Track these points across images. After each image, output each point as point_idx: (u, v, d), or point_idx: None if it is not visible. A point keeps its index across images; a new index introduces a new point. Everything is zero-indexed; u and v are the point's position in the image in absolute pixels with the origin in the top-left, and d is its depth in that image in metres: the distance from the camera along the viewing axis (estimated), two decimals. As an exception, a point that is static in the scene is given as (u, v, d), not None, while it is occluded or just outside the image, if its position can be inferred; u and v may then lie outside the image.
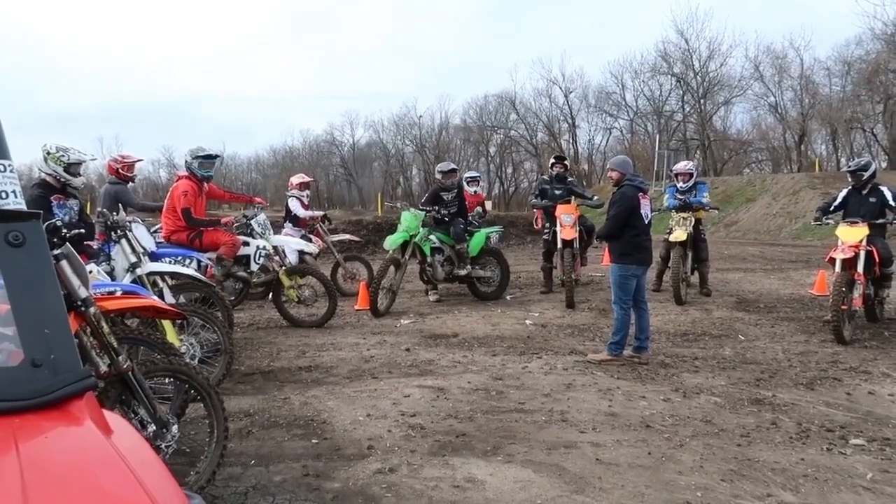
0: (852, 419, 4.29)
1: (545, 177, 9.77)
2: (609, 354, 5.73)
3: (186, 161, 6.90)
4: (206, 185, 6.96)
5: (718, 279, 10.41)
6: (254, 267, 7.00)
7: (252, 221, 7.09)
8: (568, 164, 10.00)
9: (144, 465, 0.95)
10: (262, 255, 7.03)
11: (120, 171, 7.96)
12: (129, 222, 5.36)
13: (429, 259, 8.50)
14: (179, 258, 6.27)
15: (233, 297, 6.99)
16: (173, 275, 5.64)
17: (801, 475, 3.43)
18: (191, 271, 5.84)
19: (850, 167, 7.24)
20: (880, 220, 6.71)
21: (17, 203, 1.18)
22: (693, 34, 43.60)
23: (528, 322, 7.45)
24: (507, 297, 9.13)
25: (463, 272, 8.67)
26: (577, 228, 8.64)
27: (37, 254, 1.05)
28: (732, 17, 75.88)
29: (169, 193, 6.92)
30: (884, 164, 36.30)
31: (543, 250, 9.77)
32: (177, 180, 7.01)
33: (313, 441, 3.95)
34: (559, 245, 8.59)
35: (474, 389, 4.93)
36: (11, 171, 1.20)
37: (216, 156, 6.99)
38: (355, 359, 5.93)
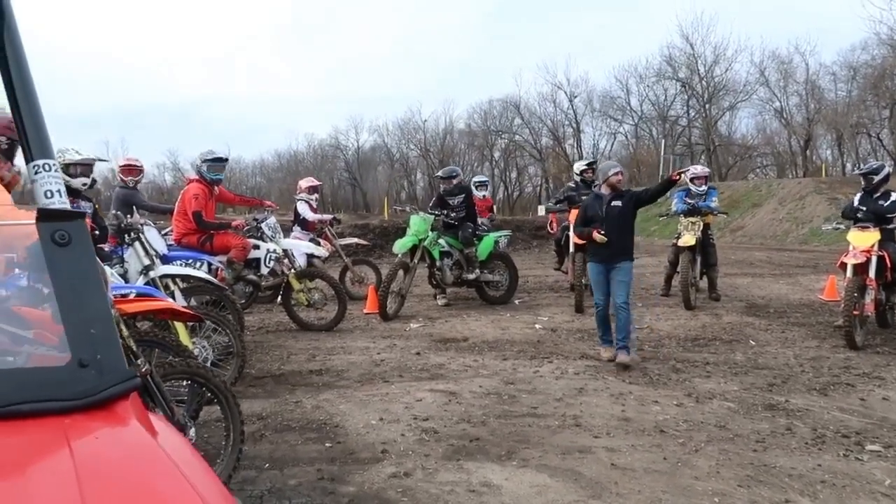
0: (868, 425, 4.27)
1: (571, 183, 9.66)
2: (627, 355, 5.69)
3: (196, 164, 6.91)
4: (216, 188, 6.98)
5: (727, 284, 10.39)
6: (264, 270, 7.01)
7: (262, 225, 7.09)
8: (596, 168, 9.93)
9: (190, 465, 0.95)
10: (272, 258, 7.04)
11: (120, 175, 8.00)
12: (142, 225, 5.38)
13: (438, 263, 8.50)
14: (190, 261, 6.29)
15: (243, 301, 6.98)
16: (185, 277, 5.65)
17: (819, 481, 3.41)
18: (202, 274, 5.86)
19: (862, 170, 7.22)
20: (891, 226, 6.69)
21: (62, 202, 1.18)
22: (698, 39, 43.62)
23: (537, 326, 7.44)
24: (516, 302, 9.13)
25: (472, 276, 8.67)
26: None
27: (82, 253, 1.05)
28: (738, 22, 75.89)
29: (180, 197, 6.93)
30: (891, 170, 36.10)
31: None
32: (188, 183, 7.03)
33: (327, 445, 3.95)
34: (571, 249, 8.58)
35: (486, 394, 4.92)
36: (56, 171, 1.20)
37: (225, 158, 7.01)
38: (366, 362, 5.93)
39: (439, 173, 9.28)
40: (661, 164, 34.84)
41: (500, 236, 9.30)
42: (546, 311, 8.37)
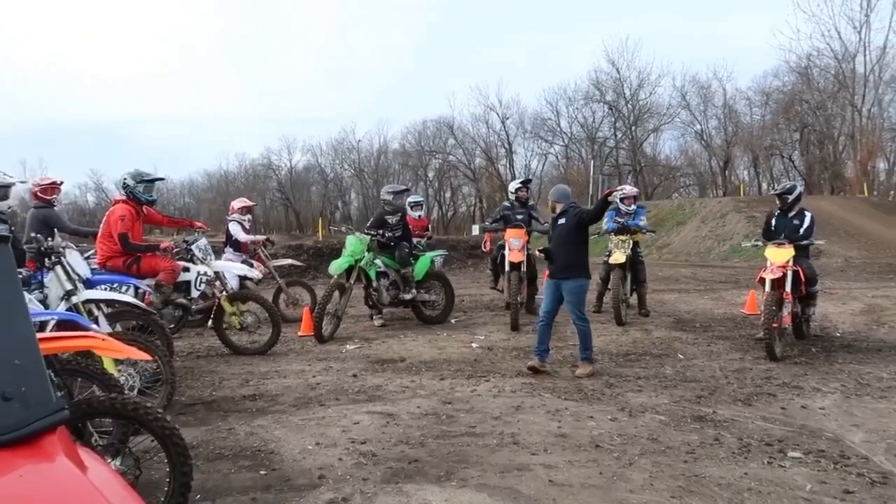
0: (789, 433, 4.47)
1: (506, 203, 9.80)
2: (590, 365, 6.09)
3: (126, 184, 6.63)
4: (144, 209, 6.75)
5: (656, 300, 10.72)
6: (194, 293, 6.79)
7: (192, 246, 6.89)
8: (530, 187, 10.14)
9: (123, 500, 0.91)
10: (203, 280, 6.83)
11: (38, 193, 7.63)
12: (64, 248, 5.14)
13: (374, 283, 8.45)
14: (116, 285, 6.04)
15: (172, 325, 6.74)
16: (110, 302, 5.42)
17: (746, 489, 3.54)
18: (128, 298, 5.64)
19: (777, 190, 7.62)
20: (804, 242, 7.07)
21: (-16, 229, 1.12)
22: (624, 63, 45.39)
23: (474, 345, 7.48)
24: (453, 321, 9.15)
25: (408, 296, 8.65)
26: (526, 252, 8.75)
27: (5, 280, 1.00)
28: (660, 48, 79.19)
29: (104, 218, 6.66)
30: (802, 189, 38.26)
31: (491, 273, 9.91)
32: (113, 204, 6.77)
33: (261, 472, 3.84)
34: (507, 268, 8.69)
35: (424, 414, 4.90)
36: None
37: (161, 179, 6.80)
38: (301, 386, 5.81)
39: (389, 189, 9.21)
40: (591, 183, 35.81)
41: (436, 256, 9.32)
42: (482, 330, 8.43)
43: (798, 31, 54.59)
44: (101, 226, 6.62)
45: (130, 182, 6.62)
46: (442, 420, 4.77)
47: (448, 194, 58.10)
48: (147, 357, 3.76)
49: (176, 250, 6.91)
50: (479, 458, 4.03)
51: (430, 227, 11.14)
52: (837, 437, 4.37)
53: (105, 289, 5.85)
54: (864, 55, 36.03)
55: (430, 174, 56.79)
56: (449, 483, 3.65)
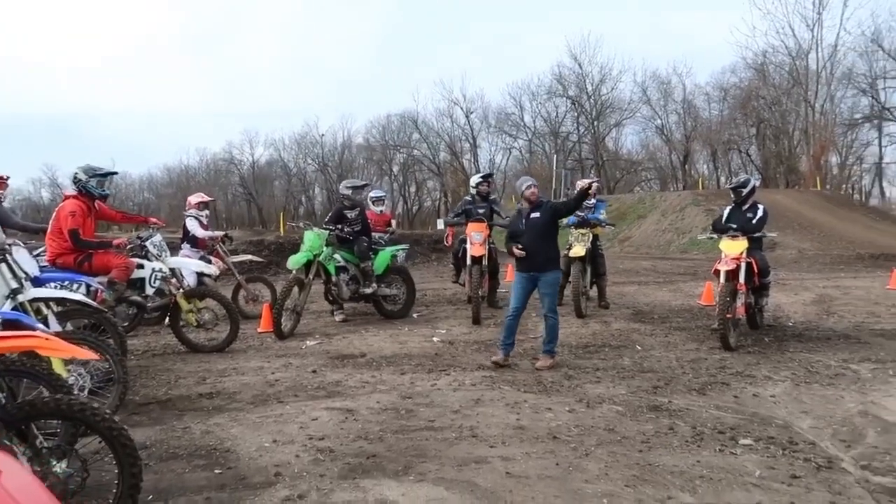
0: (741, 420, 4.57)
1: (468, 197, 9.80)
2: (551, 358, 6.12)
3: (79, 179, 6.44)
4: (96, 204, 6.58)
5: (615, 292, 10.86)
6: (149, 290, 6.65)
7: (147, 243, 6.74)
8: (491, 181, 10.17)
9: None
10: (158, 277, 6.69)
11: None
12: (9, 245, 4.98)
13: (333, 278, 8.38)
14: (66, 283, 5.88)
15: (126, 323, 6.61)
16: (59, 300, 5.27)
17: (698, 476, 3.61)
18: (79, 296, 5.48)
19: (731, 185, 7.78)
20: (757, 234, 7.23)
21: None
22: (586, 59, 45.80)
23: (435, 339, 7.48)
24: (414, 315, 9.14)
25: (368, 291, 8.60)
26: (487, 246, 8.77)
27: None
28: (622, 44, 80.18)
29: (54, 214, 6.47)
30: (758, 183, 39.21)
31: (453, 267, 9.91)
32: (63, 200, 6.59)
33: (216, 471, 3.79)
34: (468, 262, 8.70)
35: (383, 409, 4.89)
36: None
37: (115, 173, 6.64)
38: (259, 383, 5.74)
39: (348, 183, 9.12)
40: (554, 178, 36.08)
41: (398, 250, 9.29)
42: (444, 324, 8.44)
43: (754, 28, 56.06)
44: (51, 222, 6.44)
45: (83, 176, 6.44)
46: (401, 415, 4.76)
47: (413, 189, 58.00)
48: (93, 356, 3.67)
49: (130, 247, 6.75)
50: (437, 451, 4.03)
51: (392, 222, 11.08)
52: (787, 424, 4.49)
53: (55, 287, 5.69)
54: (817, 52, 37.01)
55: (395, 169, 56.62)
56: (406, 477, 3.65)
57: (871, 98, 37.46)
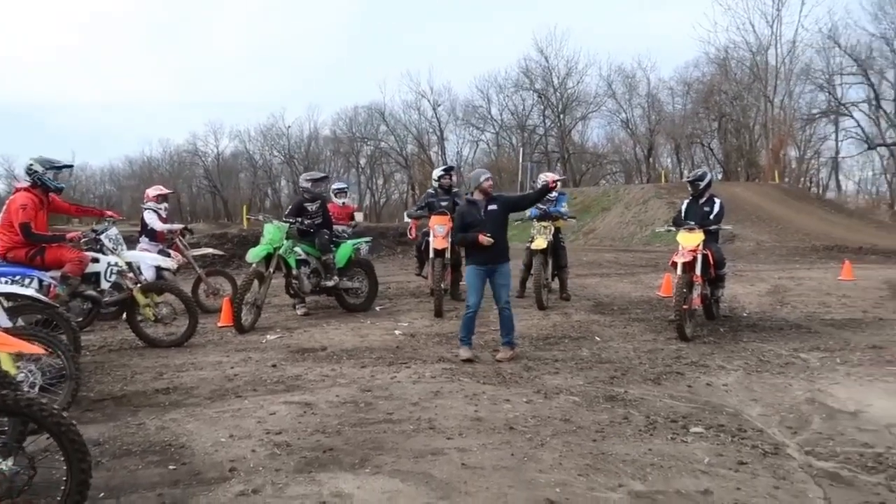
0: (693, 409, 4.68)
1: (430, 190, 9.80)
2: (512, 349, 6.16)
3: (34, 171, 6.27)
4: (49, 197, 6.43)
5: (577, 284, 11.00)
6: (104, 285, 6.53)
7: (102, 236, 6.61)
8: (454, 174, 10.17)
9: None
10: (114, 272, 6.57)
11: None
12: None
13: (294, 271, 8.32)
14: (18, 277, 5.75)
15: (80, 319, 6.47)
16: (10, 296, 5.15)
17: (649, 464, 3.69)
18: (30, 291, 5.37)
19: (688, 178, 7.93)
20: (713, 227, 7.38)
21: None
22: (552, 52, 46.09)
23: (397, 332, 7.49)
24: (377, 308, 9.14)
25: (330, 284, 8.56)
26: (450, 239, 8.79)
27: None
28: (587, 38, 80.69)
29: (5, 207, 6.31)
30: (720, 176, 40.03)
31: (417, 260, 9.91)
32: (14, 192, 6.42)
33: (170, 467, 3.75)
34: (431, 255, 8.71)
35: (342, 402, 4.88)
36: None
37: (70, 166, 6.49)
38: (218, 378, 5.69)
39: (307, 176, 9.04)
40: (521, 170, 36.26)
41: (360, 243, 9.26)
42: (406, 317, 8.45)
43: (716, 23, 57.12)
44: (2, 215, 6.28)
45: (39, 168, 6.28)
46: (360, 408, 4.76)
47: (380, 181, 57.78)
48: (41, 352, 3.60)
49: (84, 240, 6.61)
50: (394, 444, 4.05)
51: (356, 214, 11.04)
52: (737, 412, 4.61)
53: (6, 282, 5.56)
54: (776, 48, 37.85)
55: (362, 161, 56.33)
56: (363, 470, 3.66)
57: (828, 94, 38.48)
